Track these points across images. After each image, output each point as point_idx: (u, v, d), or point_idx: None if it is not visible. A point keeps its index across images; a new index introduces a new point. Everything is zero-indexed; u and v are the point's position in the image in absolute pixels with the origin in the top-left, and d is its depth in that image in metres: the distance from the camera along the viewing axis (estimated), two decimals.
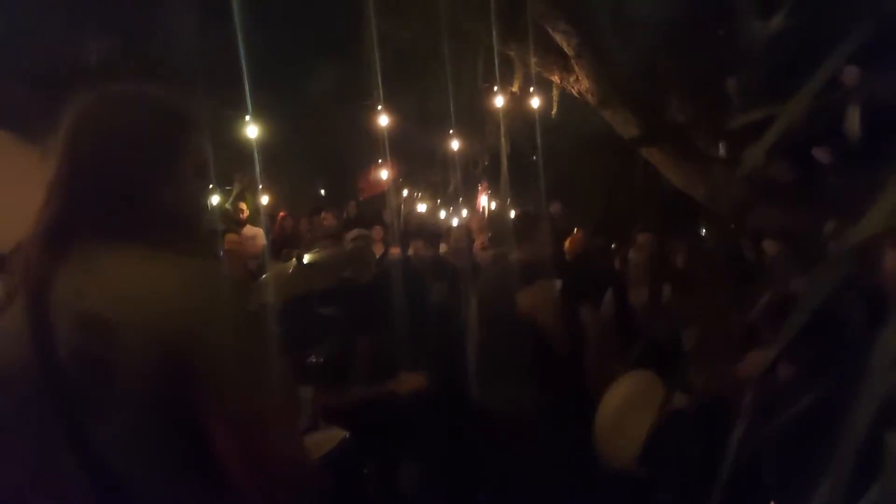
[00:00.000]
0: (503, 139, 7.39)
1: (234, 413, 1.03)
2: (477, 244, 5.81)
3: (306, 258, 3.51)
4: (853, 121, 3.49)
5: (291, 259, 3.54)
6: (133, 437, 1.01)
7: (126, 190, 1.08)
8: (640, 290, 4.62)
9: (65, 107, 1.10)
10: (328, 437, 2.36)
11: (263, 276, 3.88)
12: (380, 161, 9.25)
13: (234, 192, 9.32)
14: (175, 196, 1.13)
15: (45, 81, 6.86)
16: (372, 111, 7.32)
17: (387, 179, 9.42)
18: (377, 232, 7.61)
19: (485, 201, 11.40)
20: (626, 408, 2.24)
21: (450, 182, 10.61)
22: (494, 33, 6.52)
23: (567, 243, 5.83)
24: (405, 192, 13.43)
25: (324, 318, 3.52)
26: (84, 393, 1.00)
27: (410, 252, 6.11)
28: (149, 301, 1.02)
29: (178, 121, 1.15)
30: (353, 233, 5.51)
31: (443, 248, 6.16)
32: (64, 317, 1.02)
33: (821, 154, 4.56)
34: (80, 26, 6.25)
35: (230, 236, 5.63)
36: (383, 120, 7.25)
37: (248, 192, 9.21)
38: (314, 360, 3.40)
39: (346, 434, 2.39)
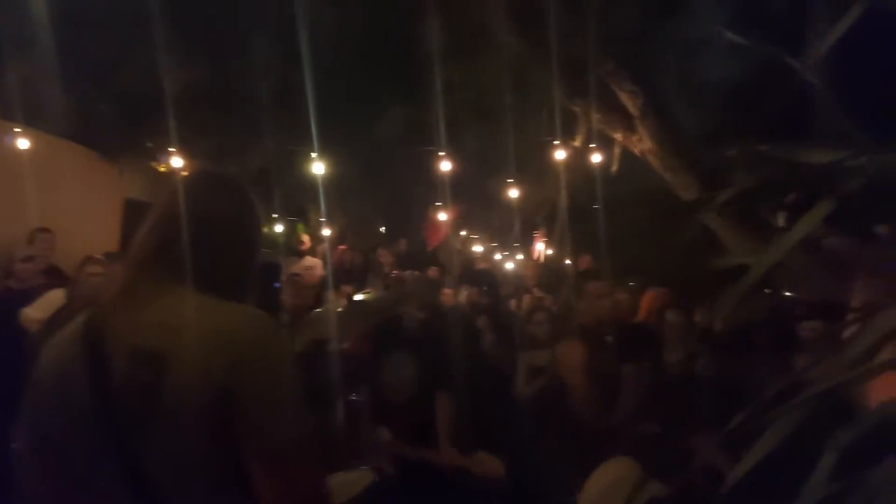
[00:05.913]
0: (562, 191, 7.43)
1: (265, 448, 1.15)
2: (527, 298, 5.82)
3: (358, 297, 3.62)
4: None
5: (347, 295, 3.65)
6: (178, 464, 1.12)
7: (205, 250, 1.31)
8: (675, 351, 4.58)
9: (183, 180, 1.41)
10: (357, 479, 2.37)
11: (317, 310, 4.01)
12: (439, 204, 9.39)
13: (301, 223, 9.60)
14: (239, 258, 1.38)
15: (131, 106, 7.28)
16: (434, 155, 7.47)
17: (447, 222, 9.54)
18: (433, 272, 7.71)
19: (541, 248, 11.42)
20: (606, 497, 2.22)
21: (506, 226, 10.69)
22: (560, 88, 6.62)
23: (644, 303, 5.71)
24: (463, 233, 13.55)
25: (365, 360, 3.60)
26: (134, 419, 1.13)
27: (463, 297, 6.14)
28: (202, 338, 1.16)
29: (249, 202, 1.42)
30: (411, 274, 5.59)
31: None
32: (120, 347, 1.17)
33: (883, 230, 4.46)
34: (166, 56, 6.61)
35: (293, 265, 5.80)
36: (445, 165, 7.39)
37: (312, 225, 9.47)
38: (355, 398, 3.49)
39: (374, 477, 2.39)
